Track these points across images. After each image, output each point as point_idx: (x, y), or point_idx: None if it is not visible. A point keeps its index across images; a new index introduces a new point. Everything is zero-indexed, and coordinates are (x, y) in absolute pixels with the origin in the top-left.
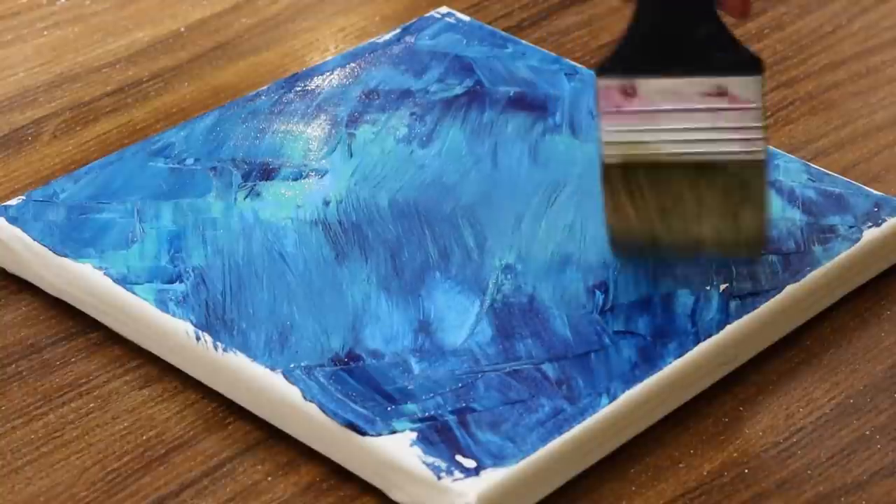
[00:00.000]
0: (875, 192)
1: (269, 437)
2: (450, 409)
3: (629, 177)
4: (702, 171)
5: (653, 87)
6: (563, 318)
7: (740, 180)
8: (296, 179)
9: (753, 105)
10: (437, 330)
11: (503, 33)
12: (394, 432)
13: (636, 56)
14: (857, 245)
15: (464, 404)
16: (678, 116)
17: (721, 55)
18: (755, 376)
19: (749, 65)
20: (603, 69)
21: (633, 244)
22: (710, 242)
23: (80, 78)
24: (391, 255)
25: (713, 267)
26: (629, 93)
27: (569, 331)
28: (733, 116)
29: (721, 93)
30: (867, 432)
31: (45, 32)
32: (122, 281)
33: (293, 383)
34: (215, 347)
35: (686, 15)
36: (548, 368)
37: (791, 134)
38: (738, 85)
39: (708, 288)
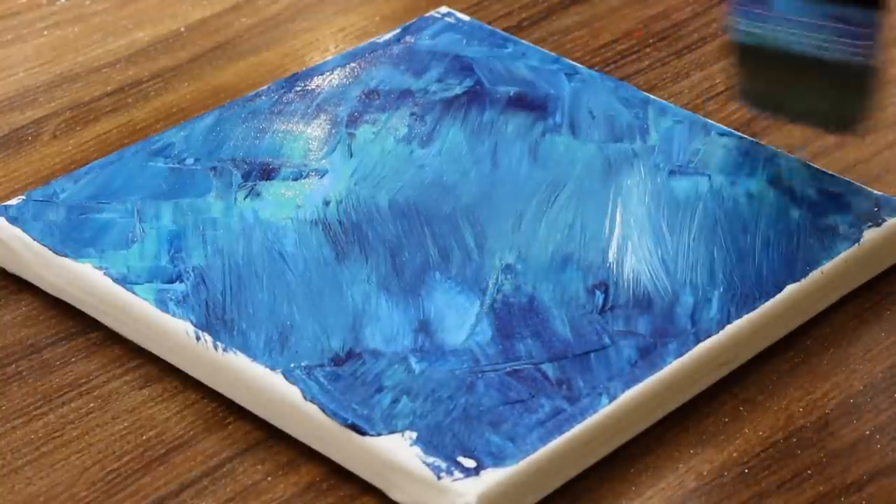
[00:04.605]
0: (875, 192)
1: (269, 437)
2: (450, 408)
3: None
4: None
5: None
6: (563, 318)
7: (849, 65)
8: (296, 179)
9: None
10: (437, 330)
11: (503, 33)
12: (394, 432)
13: None
14: (857, 245)
15: (463, 404)
16: (803, 25)
17: None
18: (755, 376)
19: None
20: None
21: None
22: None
23: (80, 78)
24: (391, 254)
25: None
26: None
27: (569, 331)
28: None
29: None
30: (867, 432)
31: (45, 32)
32: (122, 281)
33: (293, 383)
34: (215, 347)
35: None
36: (548, 368)
37: (791, 134)
38: (857, 14)
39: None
